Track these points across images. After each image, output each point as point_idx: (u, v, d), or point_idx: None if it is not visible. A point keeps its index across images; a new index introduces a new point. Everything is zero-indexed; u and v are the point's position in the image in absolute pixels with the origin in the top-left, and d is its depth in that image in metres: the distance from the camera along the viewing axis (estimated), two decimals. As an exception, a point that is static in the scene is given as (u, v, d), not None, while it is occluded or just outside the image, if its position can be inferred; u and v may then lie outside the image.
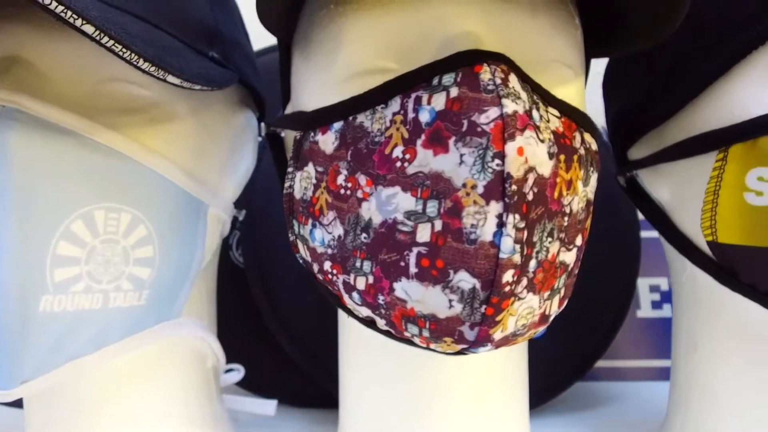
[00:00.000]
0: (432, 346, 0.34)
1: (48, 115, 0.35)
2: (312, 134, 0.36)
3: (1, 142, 0.33)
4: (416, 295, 0.32)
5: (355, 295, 0.35)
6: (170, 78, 0.34)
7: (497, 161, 0.29)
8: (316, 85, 0.37)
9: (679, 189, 0.42)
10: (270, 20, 0.36)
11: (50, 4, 0.28)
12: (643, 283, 0.76)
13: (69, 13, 0.28)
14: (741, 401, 0.43)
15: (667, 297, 0.76)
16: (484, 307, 0.30)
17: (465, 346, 0.32)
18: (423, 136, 0.31)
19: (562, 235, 0.33)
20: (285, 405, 0.65)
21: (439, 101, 0.31)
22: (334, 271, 0.35)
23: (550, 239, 0.32)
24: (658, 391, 0.60)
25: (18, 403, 0.44)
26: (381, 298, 0.33)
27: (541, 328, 0.35)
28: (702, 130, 0.39)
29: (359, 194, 0.33)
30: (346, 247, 0.34)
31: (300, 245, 0.38)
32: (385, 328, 0.35)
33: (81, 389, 0.42)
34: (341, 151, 0.34)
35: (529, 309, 0.32)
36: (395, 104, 0.32)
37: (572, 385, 0.64)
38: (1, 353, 0.34)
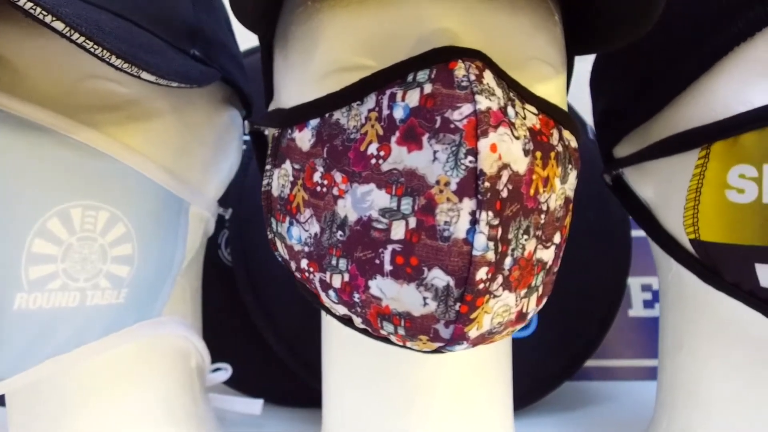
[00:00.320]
0: (408, 344, 0.33)
1: (25, 113, 0.35)
2: (289, 131, 0.36)
3: None
4: (391, 292, 0.31)
5: (331, 293, 0.34)
6: (144, 75, 0.33)
7: (470, 158, 0.29)
8: (294, 83, 0.37)
9: (663, 187, 0.42)
10: (246, 17, 0.36)
11: (18, 0, 0.27)
12: (634, 282, 0.75)
13: (38, 9, 0.28)
14: (726, 401, 0.42)
15: (658, 296, 0.75)
16: (458, 304, 0.30)
17: (441, 344, 0.32)
18: (397, 133, 0.31)
19: (539, 233, 0.33)
20: (274, 404, 0.65)
21: (413, 98, 0.31)
22: (311, 269, 0.35)
23: (526, 237, 0.32)
24: (649, 390, 0.59)
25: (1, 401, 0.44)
26: (356, 296, 0.33)
27: (519, 327, 0.35)
28: (685, 128, 0.39)
29: (335, 191, 0.33)
30: (323, 244, 0.34)
31: (278, 243, 0.38)
32: (362, 326, 0.35)
33: (62, 388, 0.42)
34: (317, 148, 0.34)
35: (505, 307, 0.32)
36: (370, 101, 0.32)
37: (561, 385, 0.63)
38: None
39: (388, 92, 0.32)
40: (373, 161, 0.31)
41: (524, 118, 0.32)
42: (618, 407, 0.68)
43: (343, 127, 0.33)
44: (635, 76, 0.43)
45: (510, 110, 0.31)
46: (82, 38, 0.30)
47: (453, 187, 0.29)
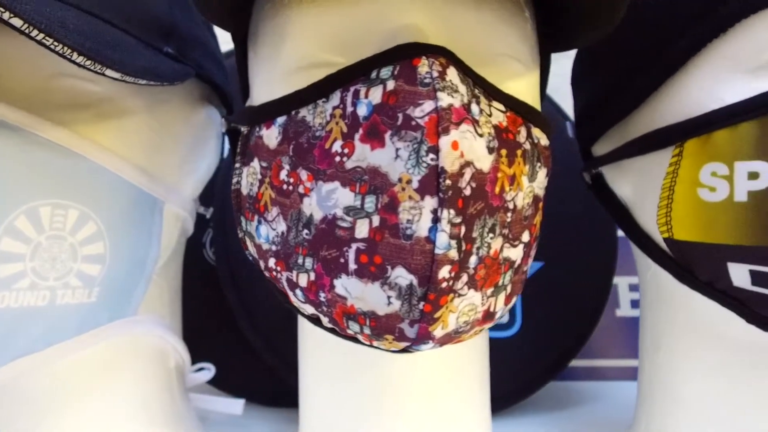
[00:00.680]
0: (375, 343, 0.33)
1: None
2: (257, 129, 0.36)
3: None
4: (356, 291, 0.31)
5: (298, 292, 0.34)
6: (108, 72, 0.33)
7: (431, 155, 0.29)
8: (263, 80, 0.37)
9: (639, 185, 0.42)
10: (210, 13, 0.36)
11: None
12: (622, 282, 0.75)
13: None
14: (702, 401, 0.42)
15: (646, 296, 0.75)
16: (421, 303, 0.30)
17: (407, 343, 0.32)
18: (361, 131, 0.31)
19: (506, 231, 0.33)
20: (259, 405, 0.64)
21: (376, 95, 0.30)
22: (279, 268, 0.35)
23: (491, 235, 0.31)
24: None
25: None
26: (322, 296, 0.33)
27: (487, 326, 0.35)
28: (660, 126, 0.39)
29: (301, 189, 0.33)
30: (289, 243, 0.34)
31: (248, 242, 0.38)
32: (330, 325, 0.35)
33: (34, 388, 0.42)
34: (284, 146, 0.34)
35: (470, 306, 0.32)
36: (335, 98, 0.32)
37: (546, 385, 0.63)
38: None
39: (352, 89, 0.31)
40: (338, 159, 0.31)
41: (490, 116, 0.32)
42: (605, 407, 0.68)
43: (308, 125, 0.33)
44: (612, 73, 0.43)
45: (474, 107, 0.31)
46: (42, 35, 0.29)
47: (415, 185, 0.29)
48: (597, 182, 0.47)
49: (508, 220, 0.32)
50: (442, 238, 0.29)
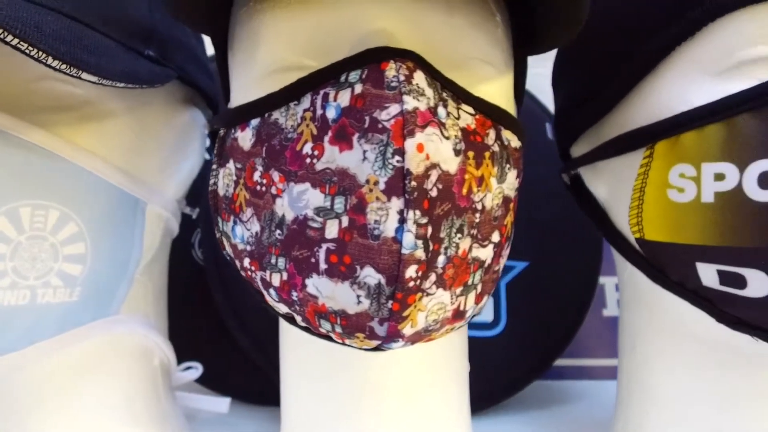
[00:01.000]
0: (347, 342, 0.34)
1: None
2: (233, 131, 0.36)
3: None
4: (326, 291, 0.32)
5: (272, 291, 0.35)
6: (85, 75, 0.34)
7: (397, 158, 0.29)
8: (239, 83, 0.38)
9: (614, 186, 0.42)
10: (185, 19, 0.37)
11: None
12: (609, 282, 0.75)
13: None
14: (676, 400, 0.43)
15: (632, 296, 0.75)
16: (390, 302, 0.30)
17: (378, 341, 0.32)
18: (330, 133, 0.31)
19: (474, 231, 0.33)
20: (249, 404, 0.65)
21: (344, 98, 0.31)
22: (253, 268, 0.36)
23: (459, 235, 0.32)
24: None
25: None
26: (294, 295, 0.33)
27: (458, 324, 0.35)
28: (632, 128, 0.39)
29: (273, 191, 0.33)
30: (263, 243, 0.34)
31: (225, 242, 0.38)
32: (303, 324, 0.36)
33: (17, 386, 0.42)
34: (257, 148, 0.34)
35: (439, 305, 0.32)
36: (306, 101, 0.33)
37: (531, 384, 0.63)
38: None
39: (321, 92, 0.32)
40: (308, 160, 0.32)
41: (458, 118, 0.32)
42: (591, 406, 0.68)
43: (281, 127, 0.33)
44: (586, 76, 0.43)
45: (441, 110, 0.31)
46: (16, 40, 0.30)
47: (381, 186, 0.29)
48: (575, 183, 0.48)
49: (477, 220, 0.33)
50: (408, 239, 0.29)
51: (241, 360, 0.64)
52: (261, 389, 0.65)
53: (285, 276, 0.33)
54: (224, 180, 0.37)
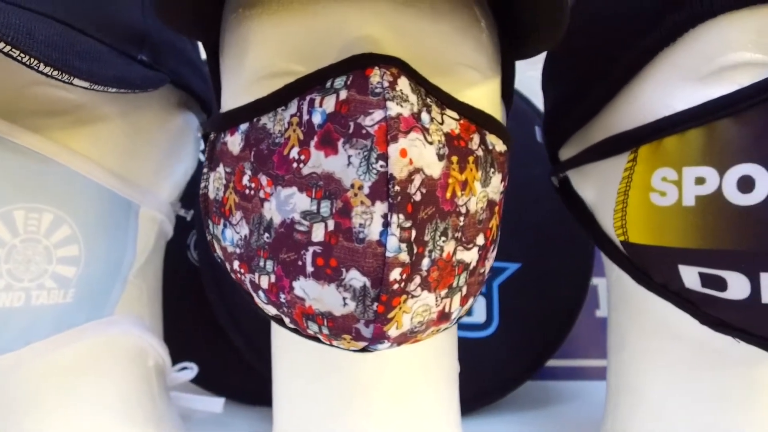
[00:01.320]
0: (334, 343, 0.34)
1: None
2: (223, 135, 0.37)
3: None
4: (313, 293, 0.32)
5: (261, 294, 0.35)
6: (76, 81, 0.34)
7: (381, 163, 0.30)
8: (230, 88, 0.38)
9: (600, 189, 0.43)
10: (175, 26, 0.37)
11: None
12: (602, 283, 0.76)
13: None
14: (664, 399, 0.43)
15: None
16: (375, 304, 0.31)
17: (364, 343, 0.33)
18: (316, 138, 0.32)
19: (459, 234, 0.34)
20: (244, 404, 0.66)
21: (329, 103, 0.32)
22: (242, 270, 0.36)
23: (444, 238, 0.33)
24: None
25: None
26: (282, 297, 0.34)
27: (444, 326, 0.36)
28: (617, 132, 0.40)
29: (261, 194, 0.34)
30: (251, 246, 0.35)
31: (215, 245, 0.39)
32: (292, 326, 0.36)
33: (14, 386, 0.43)
34: (246, 152, 0.35)
35: (424, 306, 0.33)
36: (293, 106, 0.33)
37: (523, 384, 0.64)
38: None
39: (308, 98, 0.33)
40: (295, 165, 0.32)
41: (441, 123, 0.33)
42: (583, 406, 0.68)
43: (269, 132, 0.34)
44: (573, 80, 0.44)
45: (425, 116, 0.32)
46: (8, 47, 0.31)
47: (366, 190, 0.30)
48: (564, 186, 0.48)
49: (461, 223, 0.34)
50: (392, 242, 0.30)
51: (236, 360, 0.64)
52: (255, 389, 0.65)
53: (273, 278, 0.34)
54: (214, 183, 0.38)
